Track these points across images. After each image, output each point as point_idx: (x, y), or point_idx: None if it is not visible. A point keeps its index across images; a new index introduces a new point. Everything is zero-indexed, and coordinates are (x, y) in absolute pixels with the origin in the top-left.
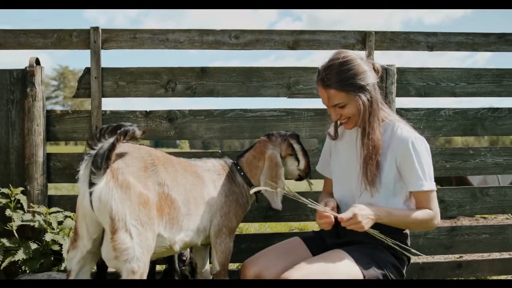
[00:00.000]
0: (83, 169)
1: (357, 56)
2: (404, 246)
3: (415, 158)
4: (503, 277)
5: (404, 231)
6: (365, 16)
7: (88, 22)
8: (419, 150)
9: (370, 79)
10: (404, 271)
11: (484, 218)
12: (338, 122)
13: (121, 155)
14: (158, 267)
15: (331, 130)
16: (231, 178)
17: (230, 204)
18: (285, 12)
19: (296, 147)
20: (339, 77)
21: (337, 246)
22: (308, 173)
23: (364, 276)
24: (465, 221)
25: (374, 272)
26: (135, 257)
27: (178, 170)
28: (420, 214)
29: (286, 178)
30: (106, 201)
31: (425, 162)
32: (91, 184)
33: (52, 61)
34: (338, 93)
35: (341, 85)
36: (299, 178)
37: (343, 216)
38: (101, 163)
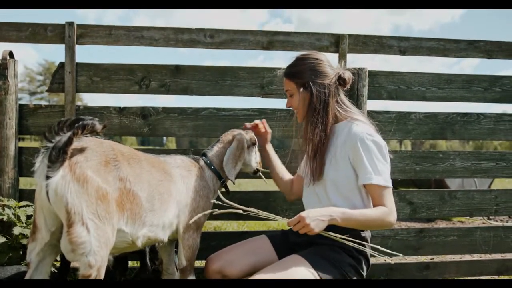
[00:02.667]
0: (39, 162)
1: (322, 58)
2: (360, 241)
3: (363, 152)
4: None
5: (362, 235)
6: (353, 21)
7: (76, 16)
8: (369, 145)
9: (322, 80)
10: (364, 272)
11: (461, 222)
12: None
13: (81, 149)
14: (131, 263)
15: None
16: (201, 174)
17: (199, 200)
18: (276, 13)
19: (257, 140)
20: (294, 68)
21: (297, 244)
22: (260, 167)
23: (321, 279)
24: (442, 224)
25: (331, 274)
26: (92, 250)
27: (144, 166)
28: (375, 211)
29: (245, 171)
30: (62, 194)
31: (376, 158)
32: (47, 177)
33: (39, 56)
34: (288, 81)
35: (291, 75)
36: (255, 172)
37: (290, 220)
38: (57, 156)
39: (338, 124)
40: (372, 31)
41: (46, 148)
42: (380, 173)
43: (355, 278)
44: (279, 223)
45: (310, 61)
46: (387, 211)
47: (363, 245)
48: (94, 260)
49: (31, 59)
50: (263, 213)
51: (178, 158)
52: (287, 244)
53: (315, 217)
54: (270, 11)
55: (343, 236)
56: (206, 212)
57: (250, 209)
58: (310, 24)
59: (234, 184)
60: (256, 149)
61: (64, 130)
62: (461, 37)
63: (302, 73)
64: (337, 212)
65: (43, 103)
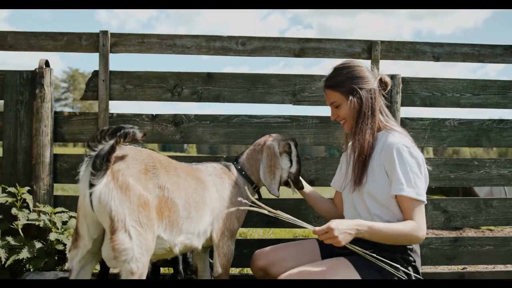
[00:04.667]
0: (83, 170)
1: (360, 64)
2: (387, 261)
3: (397, 162)
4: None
5: (409, 247)
6: (373, 26)
7: (100, 25)
8: (404, 156)
9: (367, 85)
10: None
11: (490, 230)
12: (348, 134)
13: (122, 157)
14: (162, 270)
15: (343, 142)
16: (233, 181)
17: (233, 207)
18: (296, 20)
19: (293, 148)
20: (336, 78)
21: (342, 254)
22: (296, 181)
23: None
24: (470, 233)
25: (373, 278)
26: (134, 257)
27: (180, 174)
28: (403, 226)
29: None
30: (105, 201)
31: (411, 170)
32: (91, 185)
33: (63, 63)
34: (333, 92)
35: (336, 85)
36: (287, 183)
37: (317, 228)
38: (101, 164)
39: (378, 132)
40: (393, 37)
41: (89, 156)
42: (413, 185)
43: None
44: (305, 230)
45: (350, 69)
46: (416, 226)
47: (389, 265)
48: (136, 266)
49: (56, 66)
50: (290, 218)
51: (210, 166)
52: (334, 251)
53: (344, 229)
54: (290, 18)
55: (367, 251)
56: (240, 208)
57: (278, 212)
58: (331, 30)
59: (278, 196)
60: (294, 159)
61: (106, 139)
62: (484, 42)
63: (346, 81)
64: (364, 226)
65: (67, 109)
